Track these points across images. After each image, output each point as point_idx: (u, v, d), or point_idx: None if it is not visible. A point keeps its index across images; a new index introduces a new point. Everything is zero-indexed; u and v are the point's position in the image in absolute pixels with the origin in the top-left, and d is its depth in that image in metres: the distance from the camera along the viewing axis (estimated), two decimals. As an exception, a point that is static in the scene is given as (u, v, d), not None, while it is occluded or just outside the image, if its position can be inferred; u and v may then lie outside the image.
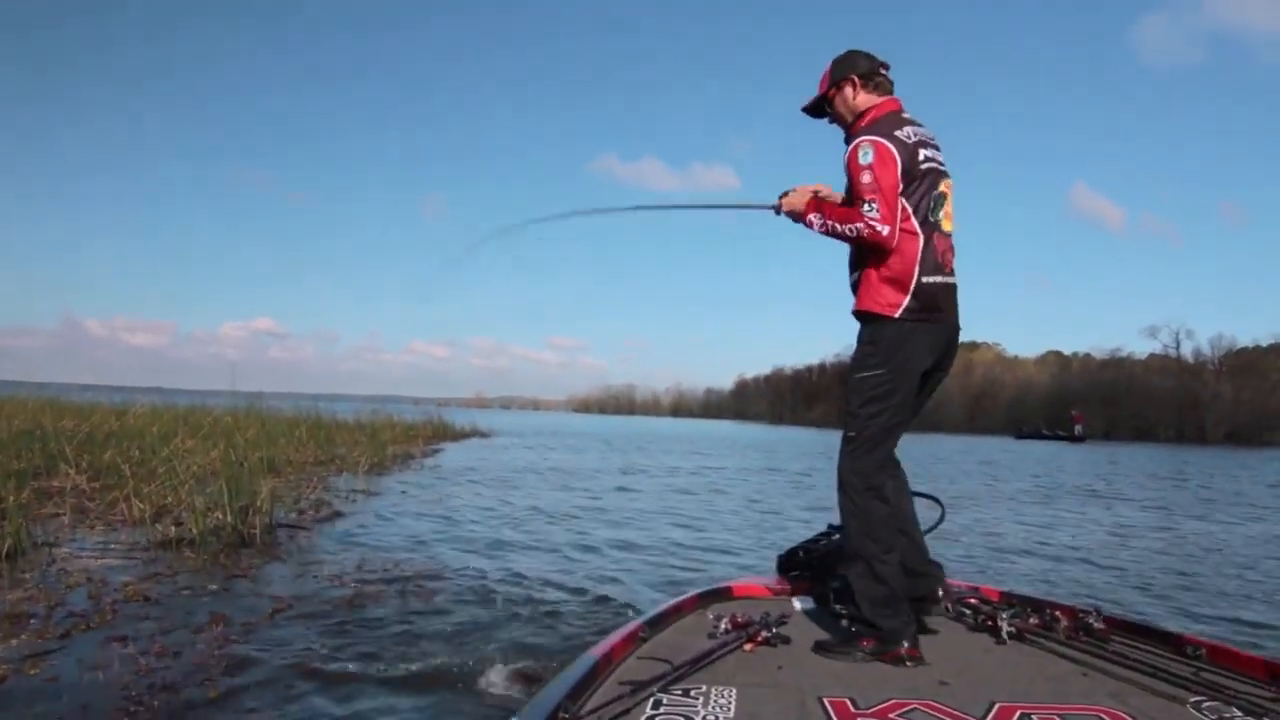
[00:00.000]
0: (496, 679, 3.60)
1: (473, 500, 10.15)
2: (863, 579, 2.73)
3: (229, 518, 6.66)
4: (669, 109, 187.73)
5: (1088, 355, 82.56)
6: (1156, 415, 60.15)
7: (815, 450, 29.23)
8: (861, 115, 2.97)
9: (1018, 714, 2.07)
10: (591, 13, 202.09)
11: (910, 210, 2.80)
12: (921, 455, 27.21)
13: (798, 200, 2.97)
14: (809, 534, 3.77)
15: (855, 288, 2.90)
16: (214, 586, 5.08)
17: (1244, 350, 70.97)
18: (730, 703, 2.10)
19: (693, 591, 3.21)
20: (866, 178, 2.74)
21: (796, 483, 15.30)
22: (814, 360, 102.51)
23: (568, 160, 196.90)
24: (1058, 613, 2.90)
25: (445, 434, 27.76)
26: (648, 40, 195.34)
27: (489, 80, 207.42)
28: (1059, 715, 2.06)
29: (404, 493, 10.49)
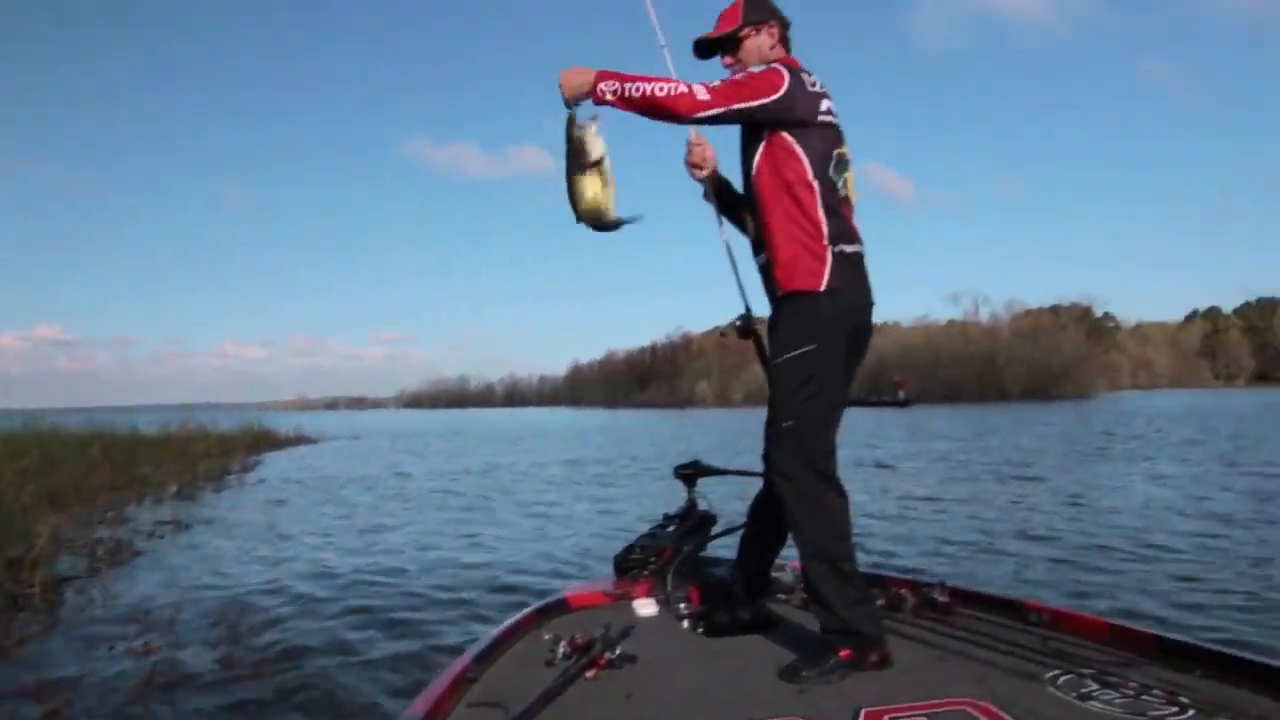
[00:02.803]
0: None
1: (301, 522, 8.97)
2: (830, 582, 2.47)
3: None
4: (480, 89, 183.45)
5: (896, 323, 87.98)
6: (962, 377, 64.79)
7: (640, 436, 29.18)
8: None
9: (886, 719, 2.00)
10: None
11: (804, 158, 2.54)
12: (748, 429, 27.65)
13: (576, 76, 2.45)
14: (642, 529, 3.58)
15: (769, 268, 2.61)
16: (-35, 677, 3.96)
17: (1030, 312, 78.11)
18: None
19: (528, 608, 2.96)
20: (737, 69, 2.59)
21: (614, 476, 14.94)
22: (646, 342, 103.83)
23: (376, 142, 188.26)
24: (903, 590, 2.93)
25: (267, 442, 25.71)
26: (450, 20, 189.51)
27: (287, 59, 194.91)
28: (926, 716, 2.01)
29: (220, 520, 9.19)
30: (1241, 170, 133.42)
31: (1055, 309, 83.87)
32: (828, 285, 2.51)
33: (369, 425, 50.08)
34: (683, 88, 2.41)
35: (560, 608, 3.02)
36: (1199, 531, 6.83)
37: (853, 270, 2.58)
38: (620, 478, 12.95)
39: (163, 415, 28.50)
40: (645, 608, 2.99)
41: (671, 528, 3.45)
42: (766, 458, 2.59)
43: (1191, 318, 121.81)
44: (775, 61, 2.64)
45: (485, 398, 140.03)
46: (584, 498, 10.22)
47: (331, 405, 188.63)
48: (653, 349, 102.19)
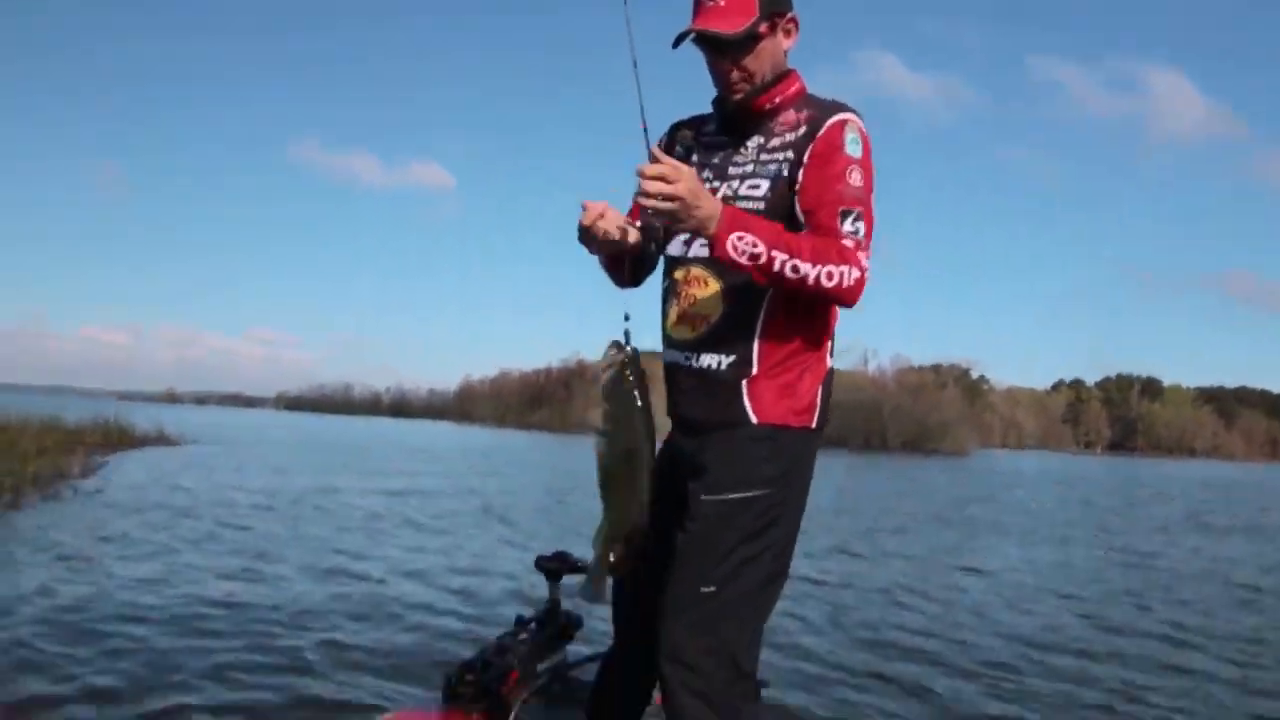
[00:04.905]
0: None
1: (120, 554, 7.65)
2: None
3: None
4: (377, 99, 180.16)
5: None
6: (849, 423, 66.32)
7: (524, 466, 28.43)
8: (786, 78, 1.94)
9: None
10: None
11: None
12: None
13: (707, 206, 1.65)
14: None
15: (731, 381, 1.85)
16: None
17: (914, 368, 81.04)
18: None
19: None
20: (857, 179, 1.76)
21: (485, 515, 14.11)
22: (541, 364, 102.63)
23: (265, 139, 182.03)
24: None
25: (119, 440, 23.48)
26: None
27: (166, 33, 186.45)
28: None
29: (30, 541, 7.85)
30: (1100, 255, 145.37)
31: (937, 368, 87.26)
32: (819, 420, 1.89)
33: (240, 427, 47.19)
34: (853, 270, 1.70)
35: None
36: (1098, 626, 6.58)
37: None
38: (491, 517, 12.10)
39: (13, 397, 25.92)
40: None
41: (524, 636, 2.78)
42: (655, 629, 1.81)
43: (1058, 386, 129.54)
44: (799, 88, 1.92)
45: (370, 406, 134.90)
46: (440, 549, 8.68)
47: (202, 401, 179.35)
48: (547, 371, 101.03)
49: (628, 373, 1.70)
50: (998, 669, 5.22)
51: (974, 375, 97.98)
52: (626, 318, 1.75)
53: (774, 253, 1.66)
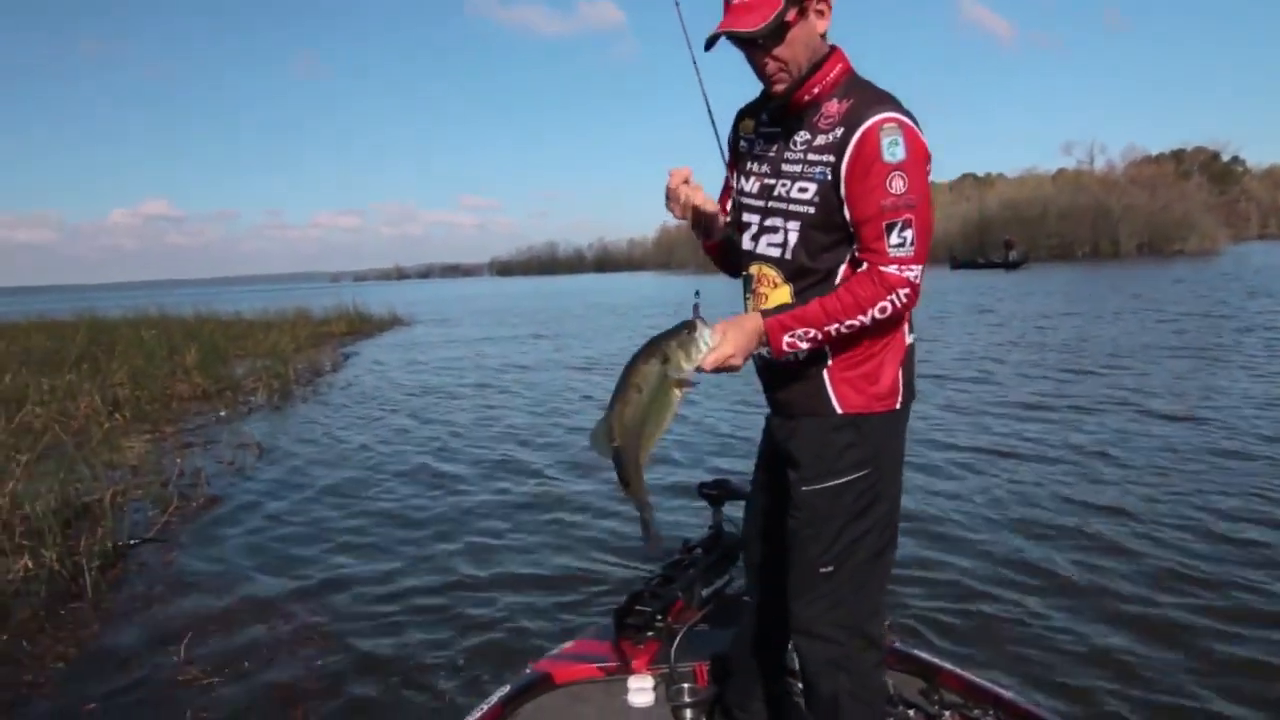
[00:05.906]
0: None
1: (387, 451, 8.54)
2: None
3: (52, 550, 4.92)
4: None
5: (1001, 175, 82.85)
6: (1073, 232, 60.87)
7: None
8: (825, 63, 1.93)
9: None
10: None
11: None
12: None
13: (744, 333, 1.85)
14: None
15: (812, 377, 1.96)
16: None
17: (1150, 159, 72.27)
18: None
19: (496, 697, 2.41)
20: (900, 185, 1.80)
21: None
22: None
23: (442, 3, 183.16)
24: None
25: (361, 328, 25.91)
26: None
27: None
28: None
29: (299, 446, 8.71)
30: None
31: (1178, 154, 77.54)
32: (903, 400, 1.98)
33: (460, 299, 50.47)
34: (900, 293, 1.82)
35: (541, 686, 2.50)
36: None
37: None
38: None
39: (267, 287, 29.04)
40: (641, 693, 2.45)
41: (688, 562, 2.94)
42: (790, 609, 2.01)
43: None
44: (841, 73, 1.92)
45: (575, 264, 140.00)
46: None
47: (426, 274, 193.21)
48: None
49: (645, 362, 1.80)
50: (1187, 567, 4.31)
51: (1224, 158, 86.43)
52: (697, 294, 1.97)
53: (826, 328, 1.83)
